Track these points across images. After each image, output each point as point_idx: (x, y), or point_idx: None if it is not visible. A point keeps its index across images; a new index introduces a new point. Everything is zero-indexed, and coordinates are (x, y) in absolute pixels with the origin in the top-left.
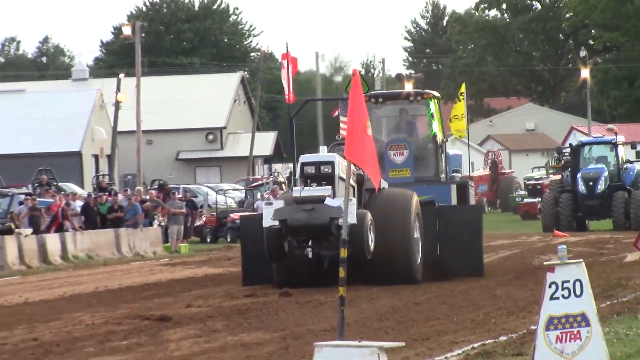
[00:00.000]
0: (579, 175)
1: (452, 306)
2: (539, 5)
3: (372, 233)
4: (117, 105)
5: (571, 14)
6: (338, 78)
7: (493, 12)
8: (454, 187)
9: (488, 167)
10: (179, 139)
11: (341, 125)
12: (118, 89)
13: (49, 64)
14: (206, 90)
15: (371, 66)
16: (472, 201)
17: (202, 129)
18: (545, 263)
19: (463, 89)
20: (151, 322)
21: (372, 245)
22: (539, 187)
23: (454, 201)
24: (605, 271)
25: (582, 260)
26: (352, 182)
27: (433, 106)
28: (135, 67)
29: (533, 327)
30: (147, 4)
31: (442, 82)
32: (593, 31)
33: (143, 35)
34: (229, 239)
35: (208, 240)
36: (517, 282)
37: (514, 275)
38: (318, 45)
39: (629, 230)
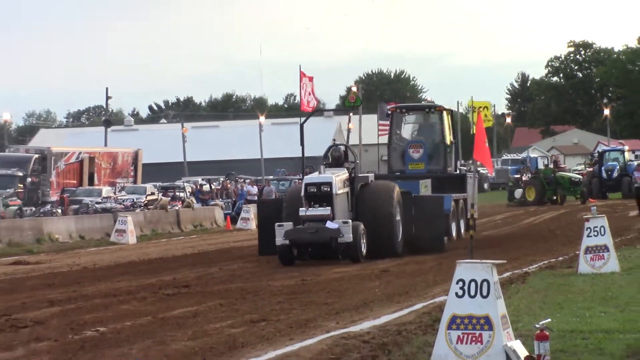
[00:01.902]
0: (602, 168)
1: (531, 240)
2: (580, 74)
3: (364, 240)
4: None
5: (598, 78)
6: None
7: (554, 79)
8: (422, 182)
9: (552, 165)
10: None
11: (380, 128)
12: (349, 121)
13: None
14: None
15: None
16: (470, 190)
17: None
18: (584, 216)
19: (470, 103)
20: None
21: (364, 250)
22: (581, 175)
23: (422, 192)
24: (618, 220)
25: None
26: (346, 186)
27: (445, 117)
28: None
29: (577, 252)
30: (364, 74)
31: (527, 116)
32: (611, 88)
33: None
34: None
35: None
36: (567, 226)
37: (566, 222)
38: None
39: (630, 199)
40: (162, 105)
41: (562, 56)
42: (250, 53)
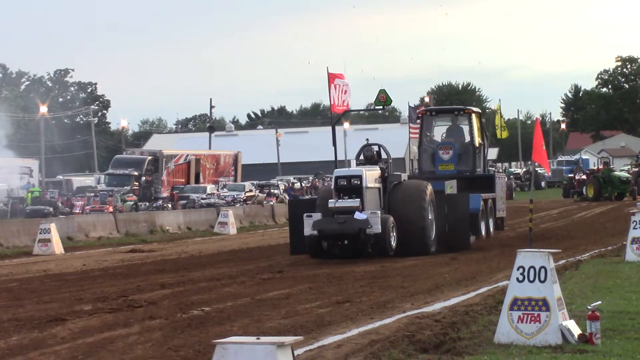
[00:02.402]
0: None
1: (583, 232)
2: (626, 85)
3: (394, 232)
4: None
5: None
6: None
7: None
8: (447, 183)
9: (602, 166)
10: None
11: (411, 130)
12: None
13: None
14: None
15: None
16: (498, 190)
17: None
18: (630, 210)
19: (498, 107)
20: None
21: (394, 243)
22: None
23: (447, 192)
24: None
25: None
26: (377, 182)
27: (474, 120)
28: None
29: (624, 243)
30: (435, 86)
31: (580, 122)
32: None
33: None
34: None
35: None
36: (615, 220)
37: (614, 216)
38: None
39: None
40: (259, 113)
41: (611, 69)
42: (336, 68)
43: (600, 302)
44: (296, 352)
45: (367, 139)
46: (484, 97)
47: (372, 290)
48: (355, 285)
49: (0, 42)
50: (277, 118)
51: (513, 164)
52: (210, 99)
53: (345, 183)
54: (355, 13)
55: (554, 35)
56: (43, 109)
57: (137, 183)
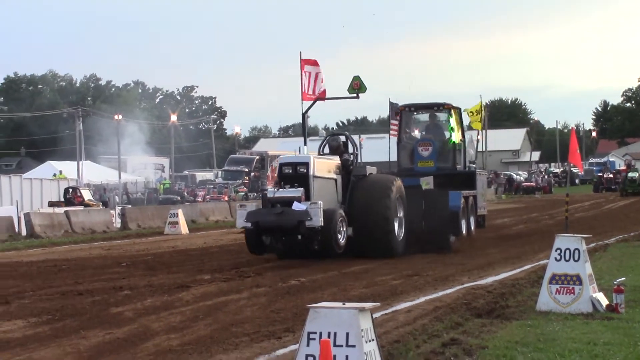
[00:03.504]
0: None
1: (610, 221)
2: None
3: (343, 227)
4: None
5: None
6: None
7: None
8: (422, 179)
9: (625, 166)
10: None
11: (391, 127)
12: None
13: None
14: None
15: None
16: (479, 187)
17: None
18: None
19: (479, 106)
20: None
21: (342, 240)
22: None
23: (423, 187)
24: None
25: None
26: (335, 173)
27: (453, 115)
28: None
29: None
30: (488, 101)
31: (607, 131)
32: None
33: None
34: None
35: None
36: (637, 211)
37: (636, 208)
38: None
39: None
40: (345, 122)
41: (634, 87)
42: (402, 86)
43: (624, 278)
44: (374, 316)
45: (332, 129)
46: (529, 110)
47: (436, 266)
48: (423, 261)
49: (140, 63)
50: (359, 126)
51: (552, 164)
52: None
53: (290, 171)
54: (428, 37)
55: (586, 58)
56: (173, 117)
57: (247, 178)
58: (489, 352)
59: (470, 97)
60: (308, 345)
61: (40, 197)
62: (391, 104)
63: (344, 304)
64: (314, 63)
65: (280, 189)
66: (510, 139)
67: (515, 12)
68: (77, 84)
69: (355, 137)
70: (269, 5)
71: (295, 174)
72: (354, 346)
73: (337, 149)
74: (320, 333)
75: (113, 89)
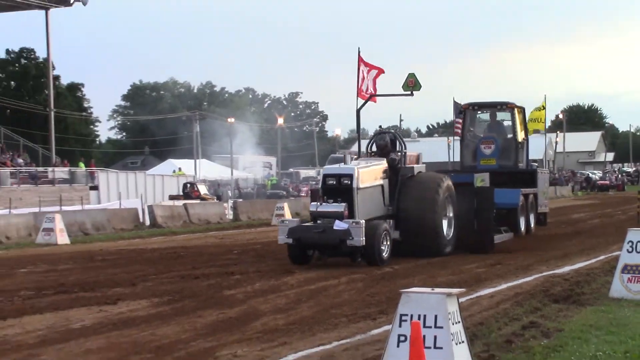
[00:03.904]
0: None
1: None
2: None
3: (387, 241)
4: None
5: None
6: None
7: None
8: (477, 176)
9: None
10: None
11: (455, 125)
12: (557, 136)
13: None
14: None
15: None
16: (541, 185)
17: None
18: None
19: (544, 103)
20: None
21: (385, 254)
22: None
23: (477, 184)
24: None
25: None
26: (381, 178)
27: (516, 114)
28: None
29: None
30: (567, 106)
31: None
32: None
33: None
34: None
35: None
36: None
37: None
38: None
39: None
40: (435, 125)
41: None
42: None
43: None
44: (460, 300)
45: (380, 126)
46: (604, 115)
47: (517, 255)
48: (505, 252)
49: (251, 72)
50: (448, 128)
51: (625, 164)
52: (400, 115)
53: (334, 182)
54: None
55: None
56: (280, 120)
57: None
58: (565, 335)
59: (550, 104)
60: (400, 326)
61: (162, 192)
62: (455, 103)
63: (432, 290)
64: (372, 66)
65: (324, 204)
66: (587, 141)
67: (594, 23)
68: (195, 90)
69: (444, 139)
70: (366, 19)
71: (339, 186)
72: (441, 327)
73: (385, 148)
74: (411, 315)
75: (226, 95)
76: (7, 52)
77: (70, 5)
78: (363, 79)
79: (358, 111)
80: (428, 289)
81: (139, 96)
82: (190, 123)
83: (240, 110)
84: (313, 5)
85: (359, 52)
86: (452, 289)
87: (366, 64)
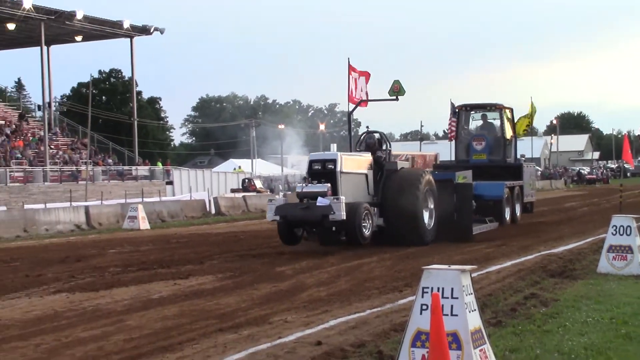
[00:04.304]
0: None
1: None
2: None
3: (368, 220)
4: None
5: None
6: None
7: None
8: (458, 173)
9: None
10: None
11: (450, 124)
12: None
13: None
14: None
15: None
16: (527, 178)
17: None
18: None
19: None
20: None
21: (367, 231)
22: None
23: (459, 180)
24: None
25: None
26: (366, 169)
27: (505, 114)
28: None
29: None
30: (559, 114)
31: None
32: None
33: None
34: None
35: None
36: None
37: None
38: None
39: None
40: None
41: None
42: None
43: None
44: (472, 275)
45: (368, 127)
46: (591, 120)
47: (519, 237)
48: (507, 235)
49: (297, 86)
50: None
51: (609, 161)
52: (421, 121)
53: (319, 167)
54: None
55: (636, 77)
56: (321, 127)
57: None
58: (560, 304)
59: (544, 111)
60: (422, 297)
61: (225, 186)
62: (451, 103)
63: (449, 267)
64: (361, 72)
65: (309, 185)
66: (576, 142)
67: (580, 40)
68: (251, 102)
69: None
70: (400, 36)
71: (324, 171)
72: (457, 298)
73: (373, 146)
74: (432, 288)
75: (277, 106)
76: (100, 72)
77: (151, 34)
78: (355, 85)
79: (349, 114)
80: (445, 266)
81: (206, 107)
82: (248, 129)
83: (289, 119)
84: (350, 35)
85: (348, 61)
86: (465, 266)
87: (356, 71)
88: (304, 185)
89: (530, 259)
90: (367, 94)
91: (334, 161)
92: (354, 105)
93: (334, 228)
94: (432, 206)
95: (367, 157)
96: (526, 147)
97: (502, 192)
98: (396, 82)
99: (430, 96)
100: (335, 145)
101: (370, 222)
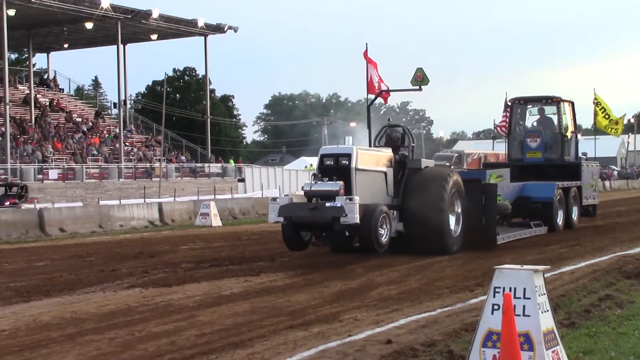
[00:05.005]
0: None
1: None
2: None
3: (386, 224)
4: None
5: None
6: None
7: None
8: (490, 172)
9: None
10: None
11: (502, 119)
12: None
13: None
14: None
15: None
16: (586, 178)
17: None
18: None
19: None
20: None
21: (384, 238)
22: None
23: (491, 180)
24: None
25: None
26: (385, 166)
27: (563, 108)
28: None
29: None
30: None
31: None
32: None
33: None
34: None
35: None
36: None
37: None
38: None
39: None
40: None
41: None
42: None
43: None
44: (545, 275)
45: (389, 119)
46: None
47: (595, 238)
48: (584, 234)
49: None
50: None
51: None
52: (494, 120)
53: (331, 163)
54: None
55: None
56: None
57: None
58: (636, 306)
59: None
60: (494, 297)
61: (296, 183)
62: (505, 98)
63: (522, 266)
64: (370, 60)
65: (319, 182)
66: None
67: None
68: (323, 100)
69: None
70: (464, 39)
71: (337, 166)
72: (529, 298)
73: (396, 141)
74: (504, 288)
75: (349, 104)
76: (174, 70)
77: (224, 32)
78: (371, 76)
79: (368, 107)
80: (518, 266)
81: (278, 105)
82: (319, 127)
83: (360, 116)
84: (424, 38)
85: (366, 47)
86: (538, 266)
87: (371, 62)
88: (312, 182)
89: (605, 260)
90: (381, 82)
91: (348, 156)
92: (374, 96)
93: (347, 233)
94: (459, 210)
95: (386, 153)
96: (603, 146)
97: (552, 194)
98: (419, 70)
99: (504, 94)
100: (351, 138)
101: (388, 227)
